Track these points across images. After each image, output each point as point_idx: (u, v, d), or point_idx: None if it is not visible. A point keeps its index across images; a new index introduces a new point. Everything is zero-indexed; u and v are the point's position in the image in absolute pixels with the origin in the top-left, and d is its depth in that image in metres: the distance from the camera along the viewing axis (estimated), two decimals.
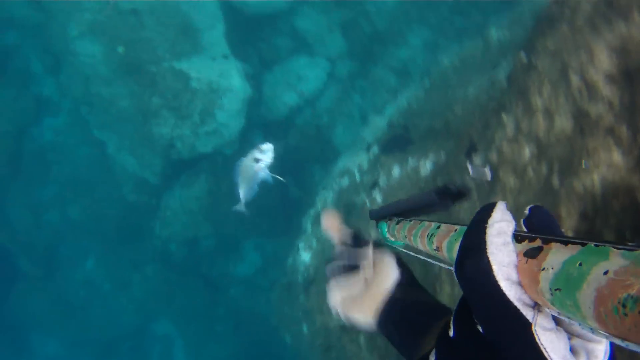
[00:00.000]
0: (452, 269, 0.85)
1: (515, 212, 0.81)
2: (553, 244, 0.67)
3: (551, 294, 0.63)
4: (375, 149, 7.92)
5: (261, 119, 10.89)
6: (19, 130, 12.87)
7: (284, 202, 10.78)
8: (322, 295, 7.34)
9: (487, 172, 4.38)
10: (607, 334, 0.55)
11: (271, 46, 11.07)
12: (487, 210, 0.81)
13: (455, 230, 0.99)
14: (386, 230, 1.65)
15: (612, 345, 0.75)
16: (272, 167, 6.43)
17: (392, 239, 1.63)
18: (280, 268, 9.17)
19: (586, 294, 0.56)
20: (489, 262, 0.74)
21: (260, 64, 11.06)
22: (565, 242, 0.65)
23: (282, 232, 10.56)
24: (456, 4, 9.82)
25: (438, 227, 1.11)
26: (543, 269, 0.65)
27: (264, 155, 6.37)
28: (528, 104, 4.15)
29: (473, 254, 0.77)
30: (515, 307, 0.70)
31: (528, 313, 0.69)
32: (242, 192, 6.67)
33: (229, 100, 10.20)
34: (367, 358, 6.12)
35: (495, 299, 0.72)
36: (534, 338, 0.68)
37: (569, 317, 0.62)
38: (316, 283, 7.66)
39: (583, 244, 0.62)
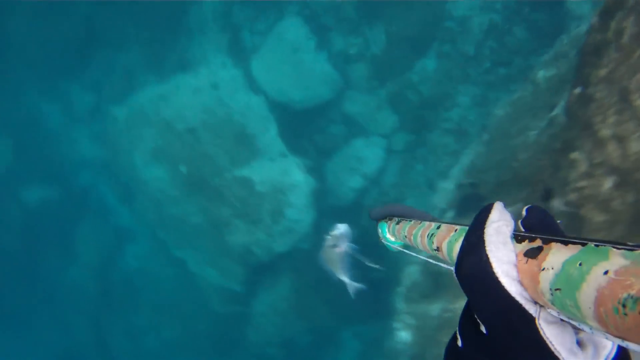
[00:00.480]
0: (453, 269, 0.86)
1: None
2: (553, 244, 0.67)
3: (551, 294, 0.63)
4: (450, 214, 7.80)
5: (331, 208, 10.98)
6: (105, 262, 13.50)
7: (370, 284, 10.64)
8: None
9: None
10: (606, 333, 0.54)
11: (326, 135, 11.33)
12: (485, 211, 0.82)
13: (456, 230, 1.00)
14: (386, 230, 1.66)
15: None
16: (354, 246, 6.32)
17: (393, 239, 1.65)
18: (381, 352, 8.91)
19: (586, 294, 0.55)
20: (488, 259, 0.74)
21: (319, 154, 11.29)
22: (566, 242, 0.64)
23: (375, 315, 10.34)
24: (496, 55, 9.86)
25: (438, 227, 1.12)
26: (543, 269, 0.65)
27: (339, 236, 6.09)
28: (595, 136, 4.03)
29: (472, 252, 0.78)
30: (517, 302, 0.69)
31: (531, 307, 0.69)
32: (343, 277, 6.47)
33: (296, 197, 10.39)
34: None
35: (497, 296, 0.71)
36: (539, 333, 0.67)
37: (569, 317, 0.62)
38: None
39: (583, 244, 0.61)
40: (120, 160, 11.95)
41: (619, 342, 0.52)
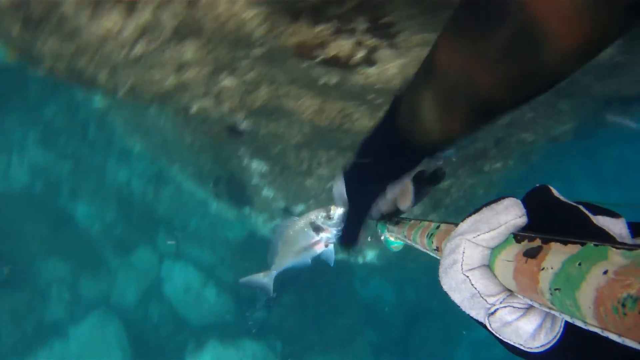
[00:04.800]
0: None
1: None
2: (552, 243, 0.67)
3: (551, 294, 0.63)
4: None
5: None
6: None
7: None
8: None
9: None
10: (606, 332, 0.54)
11: None
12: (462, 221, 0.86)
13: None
14: (386, 230, 1.63)
15: None
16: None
17: (392, 239, 1.63)
18: None
19: (586, 294, 0.55)
20: (442, 288, 0.83)
21: None
22: (565, 242, 0.64)
23: None
24: None
25: (438, 227, 1.11)
26: (543, 269, 0.65)
27: (330, 222, 3.24)
28: None
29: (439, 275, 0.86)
30: (474, 319, 0.79)
31: (480, 318, 0.78)
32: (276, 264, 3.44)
33: None
34: None
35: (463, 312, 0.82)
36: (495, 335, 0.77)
37: (570, 317, 0.61)
38: None
39: (583, 244, 0.61)
40: None
41: (615, 337, 0.52)
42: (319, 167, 5.34)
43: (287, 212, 6.52)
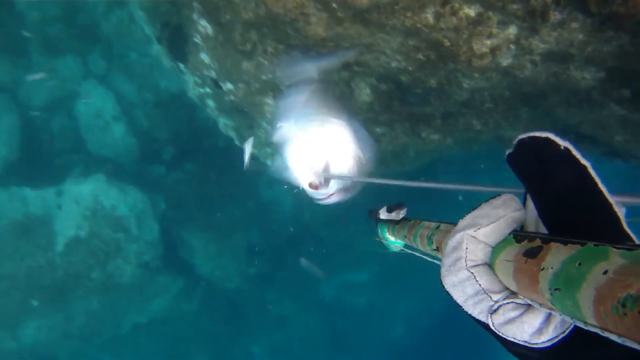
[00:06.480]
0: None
1: None
2: (552, 243, 0.67)
3: (551, 294, 0.63)
4: None
5: None
6: None
7: None
8: None
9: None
10: (606, 332, 0.54)
11: None
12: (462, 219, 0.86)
13: None
14: (386, 229, 1.68)
15: None
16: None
17: (392, 239, 1.67)
18: None
19: (586, 294, 0.55)
20: (444, 287, 0.83)
21: None
22: (565, 242, 0.65)
23: None
24: None
25: (438, 227, 1.12)
26: (542, 269, 0.65)
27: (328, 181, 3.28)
28: None
29: (441, 275, 0.85)
30: (476, 318, 0.79)
31: (483, 318, 0.77)
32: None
33: None
34: None
35: (465, 313, 0.81)
36: (498, 334, 0.76)
37: (570, 317, 0.61)
38: None
39: (583, 244, 0.61)
40: None
41: (615, 338, 0.52)
42: (263, 55, 5.11)
43: (216, 85, 6.31)
